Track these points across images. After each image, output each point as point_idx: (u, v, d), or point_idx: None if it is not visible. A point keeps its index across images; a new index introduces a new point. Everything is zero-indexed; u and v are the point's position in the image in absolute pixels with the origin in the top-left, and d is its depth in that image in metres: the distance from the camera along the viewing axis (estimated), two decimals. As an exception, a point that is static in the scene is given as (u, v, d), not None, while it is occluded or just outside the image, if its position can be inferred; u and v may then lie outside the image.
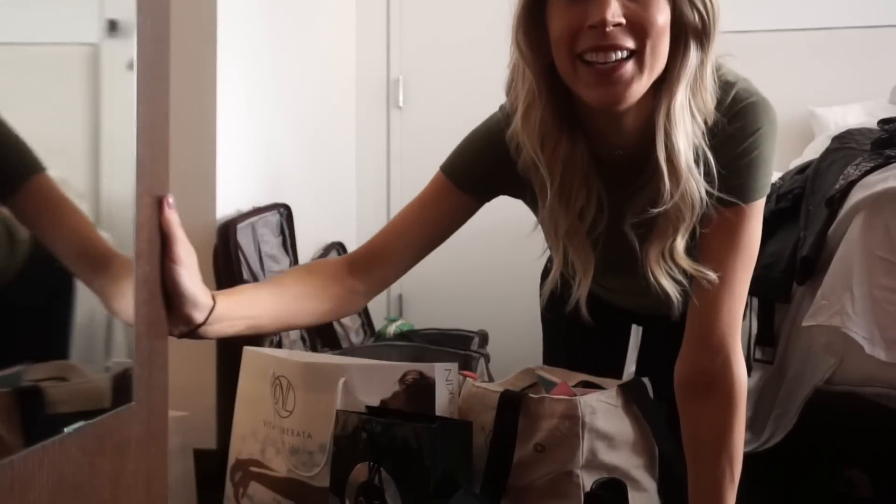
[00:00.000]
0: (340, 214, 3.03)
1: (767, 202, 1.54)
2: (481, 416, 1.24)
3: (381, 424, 1.17)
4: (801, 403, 1.33)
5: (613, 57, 0.93)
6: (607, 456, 1.19)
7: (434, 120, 3.08)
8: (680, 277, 1.02)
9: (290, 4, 2.50)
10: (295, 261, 2.38)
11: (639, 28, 0.93)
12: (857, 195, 1.22)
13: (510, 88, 1.10)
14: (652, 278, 1.03)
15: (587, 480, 1.16)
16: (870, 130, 1.48)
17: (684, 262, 1.02)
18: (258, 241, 2.16)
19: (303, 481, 1.31)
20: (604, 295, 1.31)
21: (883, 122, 1.41)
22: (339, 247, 2.80)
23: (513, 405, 1.21)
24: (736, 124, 1.01)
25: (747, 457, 1.58)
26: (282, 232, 2.35)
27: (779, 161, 2.60)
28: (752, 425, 1.58)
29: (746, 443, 1.59)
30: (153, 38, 0.81)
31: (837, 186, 1.27)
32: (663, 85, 0.98)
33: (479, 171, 1.14)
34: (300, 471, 1.32)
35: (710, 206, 1.00)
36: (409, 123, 3.11)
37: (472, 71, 3.03)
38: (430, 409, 1.26)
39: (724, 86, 1.02)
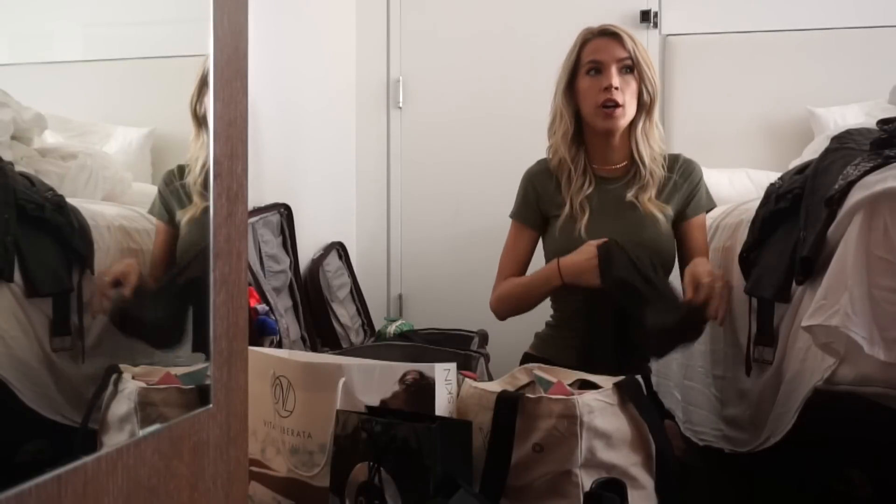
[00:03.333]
0: (340, 214, 3.03)
1: (767, 202, 1.56)
2: (479, 417, 1.24)
3: (381, 424, 1.17)
4: (801, 403, 1.33)
5: (613, 105, 1.80)
6: (605, 454, 1.19)
7: (434, 120, 3.08)
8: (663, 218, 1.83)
9: (290, 4, 2.50)
10: (295, 261, 2.38)
11: (625, 93, 1.81)
12: (856, 195, 1.22)
13: (552, 123, 1.90)
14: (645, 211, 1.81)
15: (586, 479, 1.17)
16: (869, 130, 1.47)
17: (658, 205, 1.83)
18: (258, 241, 2.16)
19: (303, 481, 1.31)
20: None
21: (882, 122, 1.41)
22: (340, 247, 2.80)
23: (510, 406, 1.21)
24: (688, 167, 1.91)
25: (746, 457, 1.59)
26: (282, 232, 2.35)
27: (778, 161, 2.61)
28: (751, 425, 1.58)
29: (745, 442, 1.60)
30: (230, 34, 0.79)
31: (837, 186, 1.27)
32: (633, 122, 1.85)
33: (531, 200, 1.89)
34: (300, 471, 1.32)
35: (686, 213, 1.86)
36: (409, 123, 3.11)
37: (472, 71, 3.04)
38: (429, 409, 1.26)
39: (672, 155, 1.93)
